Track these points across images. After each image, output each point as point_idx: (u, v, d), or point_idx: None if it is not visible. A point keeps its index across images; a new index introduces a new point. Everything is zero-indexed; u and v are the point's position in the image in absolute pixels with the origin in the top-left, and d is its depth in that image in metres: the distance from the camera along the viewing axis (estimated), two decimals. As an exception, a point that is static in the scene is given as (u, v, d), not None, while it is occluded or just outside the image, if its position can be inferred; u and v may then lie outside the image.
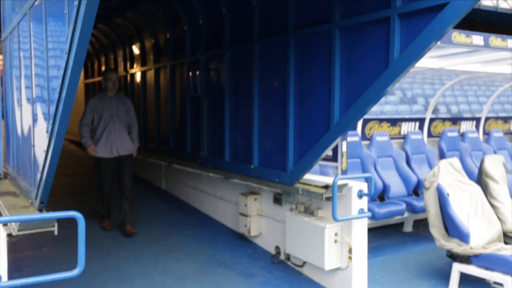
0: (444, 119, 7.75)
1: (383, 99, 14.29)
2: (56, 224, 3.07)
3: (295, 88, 4.61)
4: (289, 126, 4.66)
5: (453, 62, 5.32)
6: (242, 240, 5.66)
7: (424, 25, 3.28)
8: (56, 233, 3.09)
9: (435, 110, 13.71)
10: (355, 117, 3.95)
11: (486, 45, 4.06)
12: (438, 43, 3.73)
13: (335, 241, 4.26)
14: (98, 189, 6.02)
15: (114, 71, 5.96)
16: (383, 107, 12.50)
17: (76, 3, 2.41)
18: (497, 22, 20.39)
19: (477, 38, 3.96)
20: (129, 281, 4.54)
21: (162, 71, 7.95)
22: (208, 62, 6.28)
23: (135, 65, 9.23)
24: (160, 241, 5.73)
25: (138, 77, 9.09)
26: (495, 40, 4.07)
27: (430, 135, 7.48)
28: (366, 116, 6.84)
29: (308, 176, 4.63)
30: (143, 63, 8.78)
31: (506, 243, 4.69)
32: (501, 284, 4.21)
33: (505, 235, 4.78)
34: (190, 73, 6.54)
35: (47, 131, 3.07)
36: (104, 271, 4.74)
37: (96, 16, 2.37)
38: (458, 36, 3.85)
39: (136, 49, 9.11)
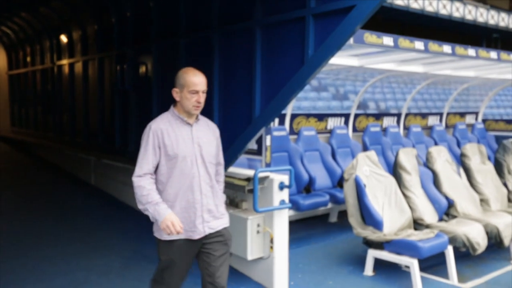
0: (368, 115, 8.16)
1: (315, 96, 14.72)
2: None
3: (220, 83, 4.69)
4: (214, 120, 4.73)
5: (371, 61, 5.64)
6: (170, 234, 5.67)
7: (335, 25, 3.48)
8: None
9: (365, 106, 14.33)
10: (275, 111, 4.10)
11: (396, 46, 4.35)
12: (352, 42, 3.97)
13: (258, 231, 4.40)
14: None
15: (201, 74, 2.82)
16: (315, 103, 12.94)
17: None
18: (425, 24, 21.64)
19: (387, 39, 4.24)
20: (49, 280, 4.43)
21: (91, 63, 7.75)
22: (136, 55, 6.21)
23: (62, 57, 8.91)
24: (86, 237, 5.62)
25: (65, 70, 8.79)
26: (404, 41, 4.38)
27: (355, 130, 7.85)
28: (294, 111, 7.07)
29: (232, 169, 4.74)
30: (71, 55, 8.50)
31: (415, 229, 5.07)
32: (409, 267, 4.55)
33: (415, 222, 5.15)
34: (118, 67, 6.43)
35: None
36: (21, 271, 4.58)
37: (18, 4, 2.31)
38: (370, 36, 4.10)
39: (63, 41, 8.79)
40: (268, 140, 4.92)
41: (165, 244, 2.82)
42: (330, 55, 3.56)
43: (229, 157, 4.56)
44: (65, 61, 8.66)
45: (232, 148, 4.52)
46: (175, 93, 2.80)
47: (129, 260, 4.95)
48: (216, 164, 2.98)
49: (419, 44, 4.53)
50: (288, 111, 6.71)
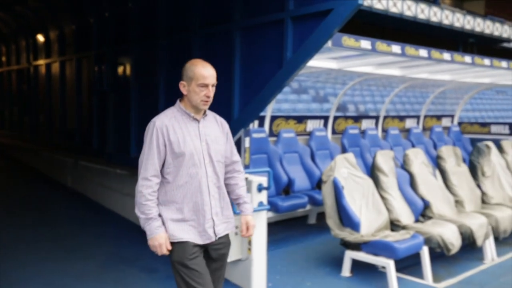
0: (347, 117, 8.24)
1: (295, 98, 14.81)
2: None
3: (199, 85, 4.68)
4: (193, 122, 4.72)
5: (349, 64, 5.71)
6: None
7: (313, 28, 3.52)
8: None
9: (344, 109, 14.46)
10: (254, 113, 4.12)
11: (374, 50, 4.41)
12: (330, 45, 4.01)
13: (236, 233, 4.40)
14: None
15: (211, 66, 2.63)
16: (295, 105, 13.02)
17: None
18: (404, 28, 22.00)
19: (365, 43, 4.30)
20: (24, 284, 4.34)
21: (68, 64, 7.64)
22: (114, 56, 6.15)
23: (39, 57, 8.76)
24: (63, 240, 5.54)
25: (42, 70, 8.64)
26: (381, 45, 4.44)
27: (334, 132, 7.92)
28: (273, 113, 7.10)
29: (211, 171, 4.73)
30: (48, 55, 8.36)
31: (392, 230, 5.14)
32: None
33: (392, 223, 5.22)
34: (96, 67, 6.36)
35: None
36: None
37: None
38: (348, 40, 4.15)
39: (40, 40, 8.65)
40: (247, 142, 4.92)
41: (175, 247, 2.55)
42: (308, 57, 3.59)
43: (208, 159, 4.56)
44: (41, 61, 8.52)
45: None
46: (182, 87, 2.59)
47: (107, 263, 4.89)
48: (231, 162, 2.77)
49: (396, 48, 4.61)
50: (268, 113, 6.74)
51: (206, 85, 2.54)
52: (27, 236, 5.69)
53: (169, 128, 2.56)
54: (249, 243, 4.41)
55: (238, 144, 5.15)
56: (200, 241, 2.58)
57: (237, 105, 4.20)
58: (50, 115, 8.26)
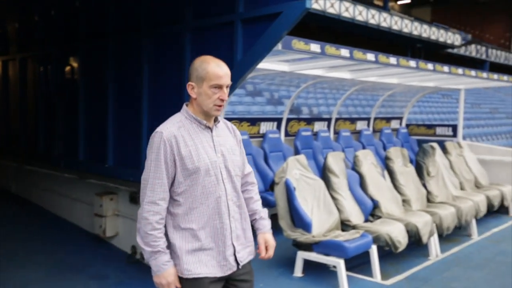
0: (299, 119, 8.35)
1: (250, 100, 14.82)
2: None
3: (149, 88, 4.61)
4: (144, 124, 4.64)
5: (301, 67, 5.79)
6: (98, 242, 5.47)
7: (263, 31, 3.54)
8: None
9: (298, 111, 14.61)
10: (205, 115, 4.09)
11: (323, 53, 4.50)
12: (280, 48, 4.05)
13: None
14: None
15: (223, 62, 2.26)
16: (250, 108, 13.08)
17: None
18: (356, 32, 22.61)
19: (315, 46, 4.37)
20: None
21: (11, 64, 7.30)
22: (61, 56, 5.94)
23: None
24: (6, 248, 5.27)
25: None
26: (330, 48, 4.54)
27: (287, 134, 8.00)
28: (227, 116, 7.09)
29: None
30: (-11, 54, 7.96)
31: (343, 230, 5.25)
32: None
33: (342, 223, 5.33)
34: (42, 68, 6.12)
35: None
36: None
37: None
38: (298, 43, 4.21)
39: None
40: (199, 144, 4.90)
41: (186, 283, 2.16)
42: (259, 59, 3.61)
43: (159, 162, 4.49)
44: (-18, 60, 8.10)
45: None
46: (190, 89, 2.20)
47: (52, 270, 4.71)
48: (244, 175, 2.41)
49: (344, 52, 4.72)
50: (221, 115, 6.72)
51: (220, 87, 2.16)
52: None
53: (179, 139, 2.14)
54: (201, 246, 4.36)
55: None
56: (220, 272, 2.19)
57: (188, 107, 4.15)
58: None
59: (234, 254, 2.21)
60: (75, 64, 5.70)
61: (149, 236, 2.11)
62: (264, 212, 2.45)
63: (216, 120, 2.27)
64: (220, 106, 2.18)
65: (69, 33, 5.81)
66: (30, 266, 4.79)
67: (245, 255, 2.28)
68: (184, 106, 2.28)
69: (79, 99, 5.54)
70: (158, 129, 2.19)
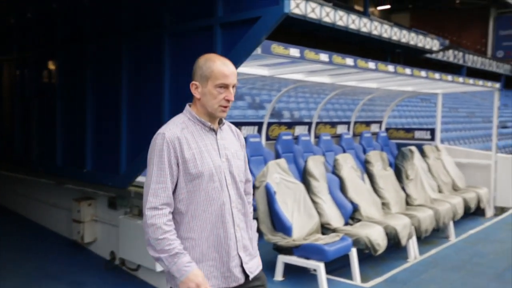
0: (280, 123, 8.38)
1: (231, 104, 14.90)
2: None
3: (128, 92, 4.57)
4: (122, 128, 4.60)
5: (281, 71, 5.81)
6: (76, 248, 5.38)
7: (242, 35, 3.55)
8: None
9: (279, 115, 14.65)
10: (184, 120, 4.08)
11: (302, 57, 4.52)
12: (260, 52, 4.06)
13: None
14: None
15: (229, 61, 2.14)
16: (231, 112, 13.06)
17: None
18: (337, 37, 22.84)
19: (294, 50, 4.39)
20: None
21: (-13, 67, 7.15)
22: (39, 60, 5.86)
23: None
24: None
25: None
26: (309, 53, 4.57)
27: (268, 138, 8.02)
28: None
29: (142, 179, 4.62)
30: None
31: (323, 233, 5.28)
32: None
33: (323, 226, 5.37)
34: (18, 72, 6.02)
35: None
36: None
37: None
38: (277, 47, 4.22)
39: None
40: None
41: None
42: (238, 64, 3.61)
43: (138, 166, 4.45)
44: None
45: (141, 157, 4.40)
46: (194, 88, 2.09)
47: (28, 279, 4.61)
48: (245, 181, 2.27)
49: (324, 56, 4.76)
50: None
51: (226, 86, 2.05)
52: None
53: (182, 141, 2.03)
54: (181, 251, 4.33)
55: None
56: (223, 284, 2.06)
57: (167, 112, 4.13)
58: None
59: (241, 266, 2.08)
60: (53, 68, 5.62)
61: (162, 241, 1.97)
62: (254, 225, 2.29)
63: (220, 122, 2.16)
64: (225, 107, 2.08)
65: (46, 36, 5.73)
66: (5, 274, 4.68)
67: (255, 266, 2.15)
68: (187, 106, 2.16)
69: (57, 103, 5.47)
70: (160, 130, 2.07)
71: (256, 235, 2.25)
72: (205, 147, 2.07)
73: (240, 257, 2.08)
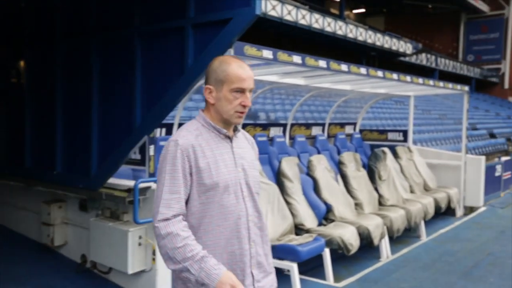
0: (255, 125, 8.39)
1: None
2: None
3: (100, 91, 4.50)
4: (93, 129, 4.52)
5: (255, 73, 5.81)
6: (46, 252, 5.26)
7: (214, 36, 3.55)
8: None
9: (255, 117, 14.65)
10: (157, 119, 4.05)
11: (275, 59, 4.54)
12: (232, 53, 4.05)
13: (139, 244, 4.27)
14: None
15: (246, 64, 1.99)
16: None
17: None
18: (313, 39, 23.03)
19: (267, 52, 4.40)
20: None
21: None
22: (5, 60, 5.72)
23: None
24: None
25: None
26: (282, 55, 4.59)
27: (243, 139, 8.02)
28: (182, 121, 7.02)
29: (113, 180, 4.55)
30: None
31: (297, 234, 5.31)
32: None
33: (296, 227, 5.40)
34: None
35: None
36: None
37: None
38: (250, 49, 4.23)
39: None
40: (151, 150, 4.81)
41: None
42: (210, 65, 3.60)
43: (109, 168, 4.39)
44: None
45: (112, 158, 4.35)
46: (208, 93, 1.94)
47: (-5, 284, 4.49)
48: None
49: (296, 58, 4.78)
50: (176, 120, 6.64)
51: (242, 91, 1.91)
52: None
53: (197, 149, 1.88)
54: (153, 253, 4.30)
55: (143, 151, 5.02)
56: None
57: (139, 113, 4.09)
58: None
59: (253, 284, 1.94)
60: (20, 68, 5.49)
61: (183, 248, 1.80)
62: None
63: (235, 129, 2.02)
64: (242, 113, 1.94)
65: (12, 36, 5.59)
66: (-30, 279, 4.55)
67: (268, 285, 2.01)
68: (200, 112, 2.01)
69: (25, 103, 5.34)
70: (173, 137, 1.92)
71: (270, 250, 2.09)
72: (220, 156, 1.93)
73: (252, 275, 1.95)
